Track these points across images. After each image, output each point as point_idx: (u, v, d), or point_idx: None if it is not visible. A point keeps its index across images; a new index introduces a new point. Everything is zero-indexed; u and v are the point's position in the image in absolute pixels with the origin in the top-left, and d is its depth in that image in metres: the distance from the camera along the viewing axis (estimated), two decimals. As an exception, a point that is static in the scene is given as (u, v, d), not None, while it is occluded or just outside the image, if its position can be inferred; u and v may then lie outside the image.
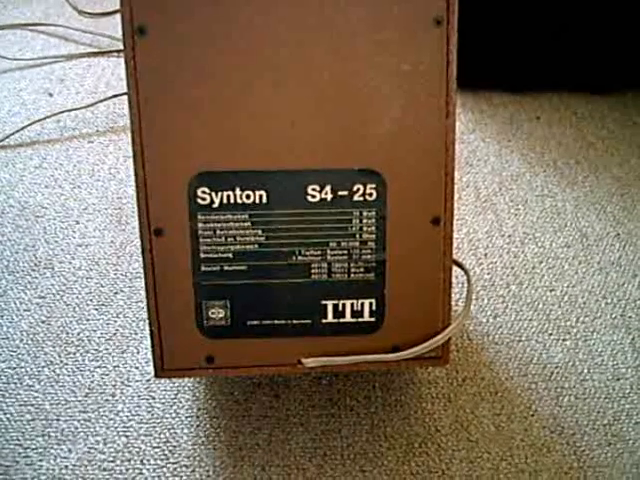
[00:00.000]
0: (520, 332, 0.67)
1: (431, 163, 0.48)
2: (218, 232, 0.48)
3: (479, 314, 0.69)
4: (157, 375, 0.52)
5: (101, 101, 1.00)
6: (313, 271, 0.49)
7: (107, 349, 0.65)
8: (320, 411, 0.60)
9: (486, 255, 0.76)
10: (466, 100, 1.02)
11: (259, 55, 0.46)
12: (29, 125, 0.95)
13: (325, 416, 0.59)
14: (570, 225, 0.80)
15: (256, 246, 0.49)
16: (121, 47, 1.09)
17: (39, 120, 0.96)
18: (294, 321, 0.50)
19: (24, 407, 0.61)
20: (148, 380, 0.62)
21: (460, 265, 0.58)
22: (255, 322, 0.51)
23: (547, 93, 1.04)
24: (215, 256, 0.49)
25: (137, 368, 0.64)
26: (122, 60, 1.09)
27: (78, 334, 0.67)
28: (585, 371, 0.63)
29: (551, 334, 0.67)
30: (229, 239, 0.48)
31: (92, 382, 0.63)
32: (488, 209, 0.82)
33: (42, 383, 0.63)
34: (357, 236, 0.49)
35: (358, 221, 0.48)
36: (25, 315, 0.69)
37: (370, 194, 0.48)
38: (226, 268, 0.49)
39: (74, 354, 0.65)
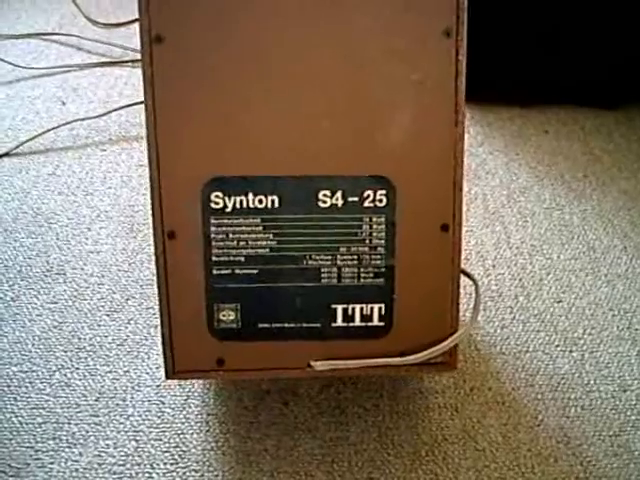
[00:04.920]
0: (527, 343, 0.68)
1: (440, 170, 0.48)
2: (230, 236, 0.49)
3: (487, 325, 0.69)
4: (168, 377, 0.53)
5: (114, 110, 1.01)
6: (323, 275, 0.50)
7: (118, 354, 0.66)
8: (328, 418, 0.60)
9: (494, 266, 0.77)
10: (475, 113, 1.03)
11: (272, 63, 0.47)
12: (43, 133, 0.96)
13: (333, 424, 0.60)
14: (577, 238, 0.81)
15: (267, 250, 0.49)
16: (133, 57, 1.11)
17: (53, 128, 0.97)
18: (304, 324, 0.51)
19: (35, 410, 0.61)
20: (158, 385, 0.63)
21: (468, 274, 0.59)
22: (265, 325, 0.51)
23: (555, 107, 1.04)
24: (227, 259, 0.49)
25: (148, 373, 0.64)
26: (135, 70, 1.11)
27: (90, 339, 0.68)
28: (592, 382, 0.64)
29: (558, 345, 0.68)
30: (241, 243, 0.49)
31: (103, 387, 0.63)
32: (496, 221, 0.83)
33: (53, 387, 0.63)
34: (367, 241, 0.49)
35: (368, 227, 0.49)
36: (37, 320, 0.70)
37: (380, 200, 0.48)
38: (237, 271, 0.49)
39: (85, 359, 0.66)
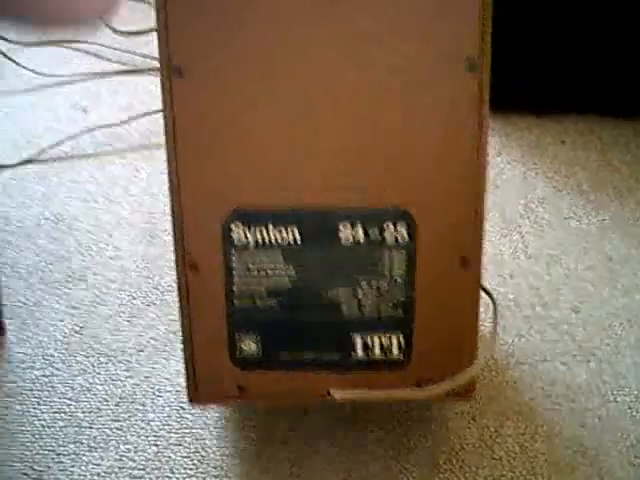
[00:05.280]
0: (544, 353, 0.68)
1: (461, 204, 0.48)
2: (251, 268, 0.49)
3: (504, 334, 0.70)
4: (191, 401, 0.54)
5: (135, 118, 1.02)
6: (343, 308, 0.50)
7: (138, 360, 0.67)
8: (346, 426, 0.61)
9: (511, 276, 0.77)
10: (492, 123, 1.03)
11: (293, 97, 0.47)
12: (65, 140, 0.98)
13: (351, 432, 0.60)
14: (595, 248, 0.81)
15: (288, 282, 0.50)
16: (154, 65, 1.12)
17: (74, 136, 0.98)
18: (324, 355, 0.52)
19: (57, 414, 0.62)
20: (178, 391, 0.64)
21: (487, 292, 0.59)
22: (285, 355, 0.52)
23: (572, 117, 1.04)
24: (248, 291, 0.50)
25: (168, 379, 0.65)
26: (156, 78, 1.12)
27: (110, 344, 0.68)
28: (609, 392, 0.64)
29: (575, 355, 0.68)
30: (262, 275, 0.49)
31: (123, 391, 0.64)
32: (513, 230, 0.83)
33: (75, 391, 0.64)
34: (387, 275, 0.49)
35: (388, 261, 0.49)
36: (59, 325, 0.71)
37: (401, 234, 0.48)
38: (258, 303, 0.50)
39: (106, 364, 0.67)
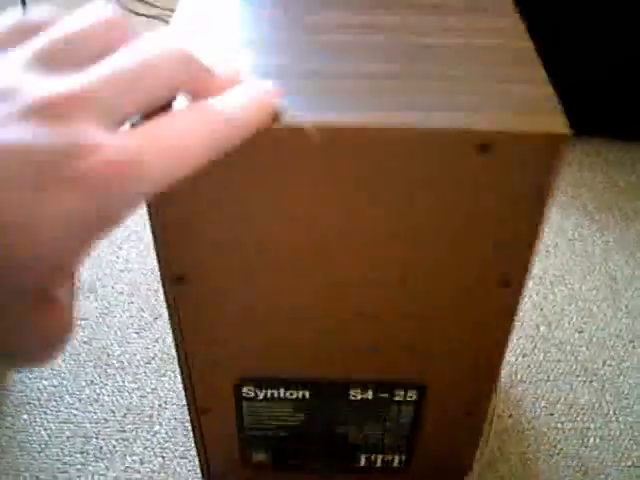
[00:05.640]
0: (548, 372, 0.69)
1: (473, 376, 0.47)
2: (262, 413, 0.50)
3: (508, 353, 0.70)
4: None
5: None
6: (350, 439, 0.52)
7: (146, 372, 0.68)
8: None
9: (516, 295, 0.78)
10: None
11: (301, 294, 0.43)
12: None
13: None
14: (599, 269, 0.82)
15: (297, 423, 0.51)
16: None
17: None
18: (330, 465, 0.54)
19: (64, 424, 0.63)
20: (184, 404, 0.64)
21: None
22: (294, 461, 0.54)
23: (578, 139, 1.05)
24: (259, 428, 0.51)
25: (174, 391, 0.66)
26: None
27: (118, 356, 0.69)
28: (611, 413, 0.64)
29: (578, 375, 0.68)
30: (272, 418, 0.50)
31: (131, 403, 0.65)
32: (518, 250, 0.84)
33: (82, 402, 0.65)
34: (394, 421, 0.50)
35: (396, 412, 0.49)
36: (68, 336, 0.71)
37: (410, 396, 0.48)
38: (269, 434, 0.51)
39: (114, 375, 0.67)
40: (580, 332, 0.73)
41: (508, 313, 0.42)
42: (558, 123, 0.35)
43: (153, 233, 0.38)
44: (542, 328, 0.74)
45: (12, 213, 0.20)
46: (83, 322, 0.73)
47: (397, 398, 0.48)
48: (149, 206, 0.37)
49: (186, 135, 0.25)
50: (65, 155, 0.21)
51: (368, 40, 0.40)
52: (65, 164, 0.21)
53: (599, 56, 0.98)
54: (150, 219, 0.38)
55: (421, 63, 0.38)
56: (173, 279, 0.41)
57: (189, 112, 0.26)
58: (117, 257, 0.82)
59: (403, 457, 0.53)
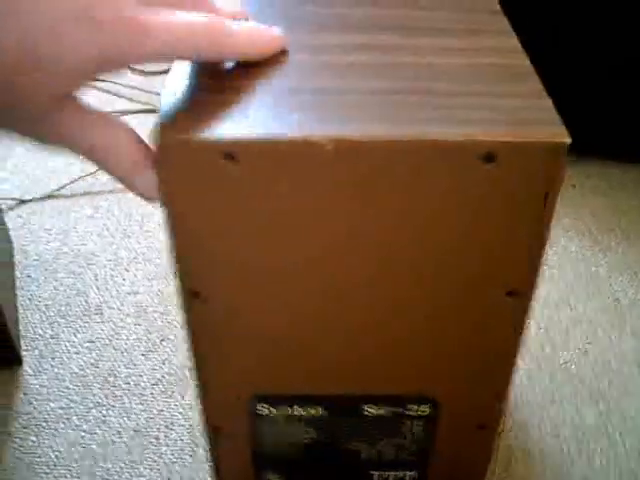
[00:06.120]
0: (553, 394, 0.69)
1: (485, 389, 0.47)
2: (276, 431, 0.50)
3: (513, 375, 0.70)
4: None
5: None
6: (362, 456, 0.52)
7: (152, 394, 0.68)
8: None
9: (520, 317, 0.78)
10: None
11: (313, 303, 0.43)
12: (83, 176, 1.00)
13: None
14: (603, 290, 0.82)
15: (310, 441, 0.51)
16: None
17: (93, 172, 1.01)
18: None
19: (72, 446, 0.63)
20: (191, 425, 0.65)
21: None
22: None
23: (582, 161, 1.06)
24: (272, 445, 0.51)
25: (181, 413, 0.66)
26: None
27: (125, 378, 0.70)
28: (617, 435, 0.65)
29: (584, 397, 0.68)
30: (286, 435, 0.50)
31: (138, 425, 0.65)
32: (523, 272, 0.84)
33: (90, 424, 0.65)
34: (407, 436, 0.50)
35: (409, 429, 0.50)
36: (75, 358, 0.72)
37: (423, 411, 0.49)
38: (282, 452, 0.52)
39: (121, 397, 0.68)
40: (585, 353, 0.74)
41: (517, 322, 0.43)
42: (558, 133, 0.36)
43: (170, 247, 0.39)
44: (547, 349, 0.74)
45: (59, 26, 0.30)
46: (90, 344, 0.73)
47: (410, 412, 0.49)
48: (166, 219, 0.38)
49: (191, 26, 0.33)
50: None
51: (371, 60, 0.41)
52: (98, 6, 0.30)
53: (602, 80, 0.99)
54: (167, 233, 0.39)
55: (424, 80, 0.39)
56: (189, 294, 0.41)
57: (203, 16, 0.34)
58: (124, 279, 0.82)
59: (416, 474, 0.53)
